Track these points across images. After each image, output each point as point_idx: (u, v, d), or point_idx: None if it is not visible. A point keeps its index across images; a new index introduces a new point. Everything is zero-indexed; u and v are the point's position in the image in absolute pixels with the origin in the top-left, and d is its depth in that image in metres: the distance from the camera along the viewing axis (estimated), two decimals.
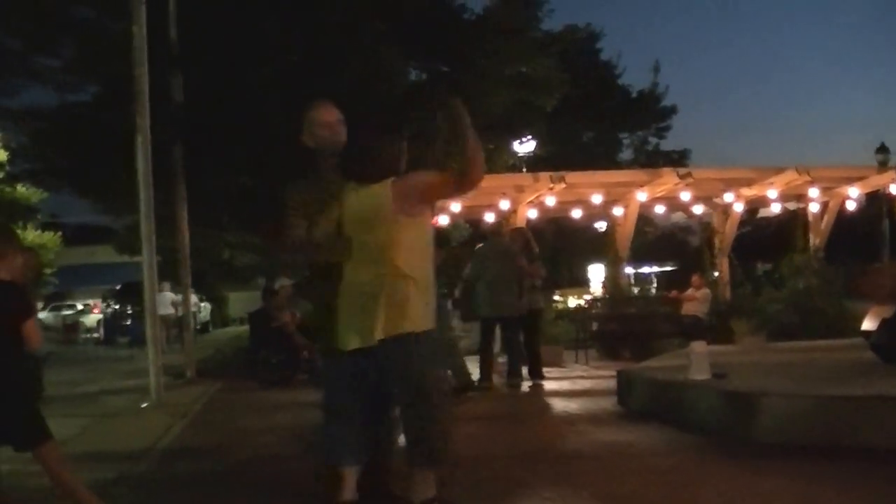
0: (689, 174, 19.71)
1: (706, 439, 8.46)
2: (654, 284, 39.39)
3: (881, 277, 17.31)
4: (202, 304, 40.24)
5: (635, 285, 26.98)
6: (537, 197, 19.84)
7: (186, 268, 20.26)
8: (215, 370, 19.77)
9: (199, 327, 33.99)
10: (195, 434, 10.95)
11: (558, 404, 11.71)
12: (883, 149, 28.29)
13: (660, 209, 22.65)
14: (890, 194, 21.11)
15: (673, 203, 22.09)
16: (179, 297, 23.51)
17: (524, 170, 33.43)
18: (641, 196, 20.70)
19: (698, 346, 9.82)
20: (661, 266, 47.64)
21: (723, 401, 8.77)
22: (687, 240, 49.90)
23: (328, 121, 6.16)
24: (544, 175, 19.69)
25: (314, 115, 6.20)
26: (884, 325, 10.33)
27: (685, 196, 20.72)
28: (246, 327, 22.58)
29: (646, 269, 46.33)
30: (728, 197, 21.42)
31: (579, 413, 10.84)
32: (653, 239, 44.50)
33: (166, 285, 26.80)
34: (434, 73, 25.25)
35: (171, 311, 27.39)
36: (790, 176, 19.74)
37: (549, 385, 13.96)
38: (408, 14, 22.66)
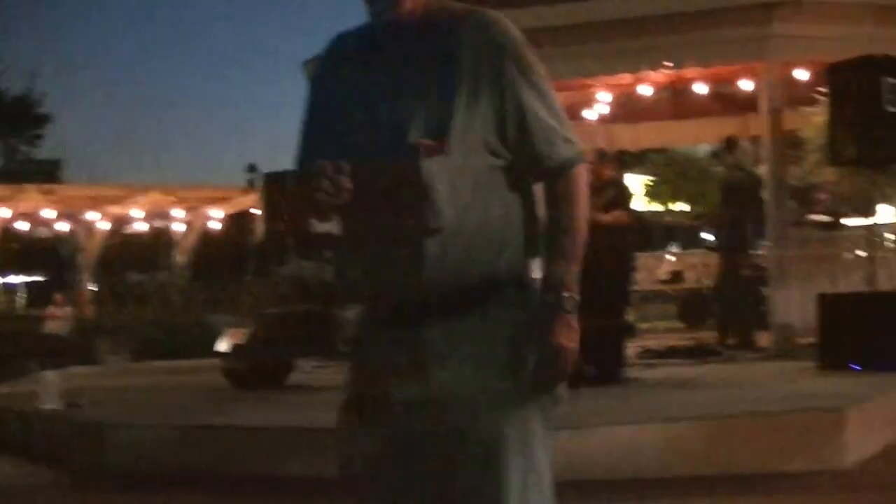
0: (52, 191, 19.18)
1: (59, 472, 8.16)
2: (22, 296, 37.81)
3: (246, 298, 17.78)
4: None
5: None
6: None
7: None
8: None
9: None
10: None
11: None
12: (252, 168, 29.40)
13: (23, 225, 21.78)
14: (254, 215, 21.91)
15: (37, 219, 21.33)
16: None
17: None
18: (3, 212, 19.78)
19: (49, 375, 9.54)
20: (28, 276, 45.80)
21: (74, 432, 8.52)
22: (55, 254, 48.47)
23: None
24: None
25: None
26: (235, 350, 10.59)
27: (50, 213, 20.09)
28: None
29: (12, 280, 44.30)
30: (93, 215, 21.09)
31: None
32: (18, 251, 42.64)
33: None
34: None
35: None
36: (156, 195, 19.91)
37: None
38: None
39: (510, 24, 2.53)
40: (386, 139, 2.43)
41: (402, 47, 2.52)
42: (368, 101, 2.51)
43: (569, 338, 2.46)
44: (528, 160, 2.52)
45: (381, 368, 2.51)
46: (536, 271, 2.58)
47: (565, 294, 2.50)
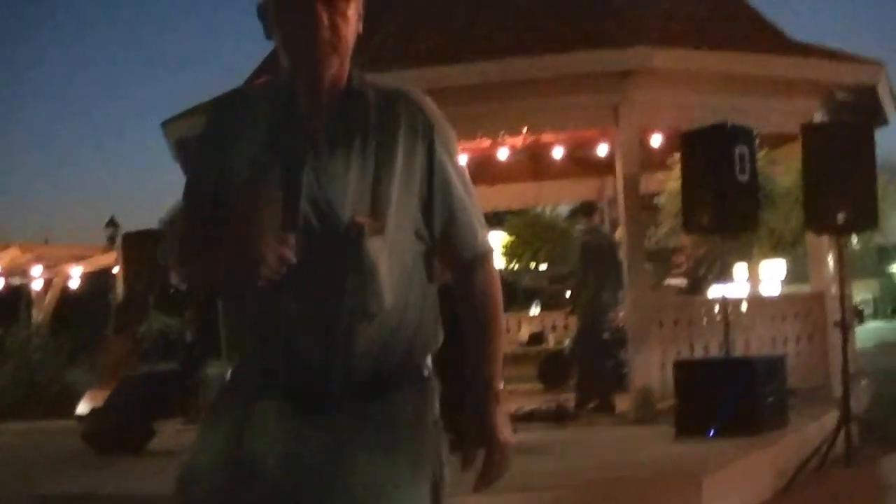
0: None
1: None
2: None
3: (106, 356, 17.29)
4: None
5: None
6: None
7: None
8: None
9: None
10: None
11: None
12: (112, 223, 28.63)
13: None
14: (113, 274, 21.51)
15: None
16: None
17: None
18: None
19: None
20: None
21: None
22: None
23: None
24: None
25: None
26: (94, 413, 10.21)
27: None
28: None
29: None
30: None
31: None
32: None
33: None
34: None
35: None
36: (14, 253, 19.38)
37: None
38: None
39: (434, 104, 2.45)
40: (315, 213, 2.30)
41: (330, 118, 2.39)
42: (286, 168, 2.33)
43: (509, 430, 2.47)
44: (452, 247, 2.46)
45: (271, 451, 2.32)
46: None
47: (499, 387, 2.48)
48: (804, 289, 12.26)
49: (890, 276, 61.39)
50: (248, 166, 2.36)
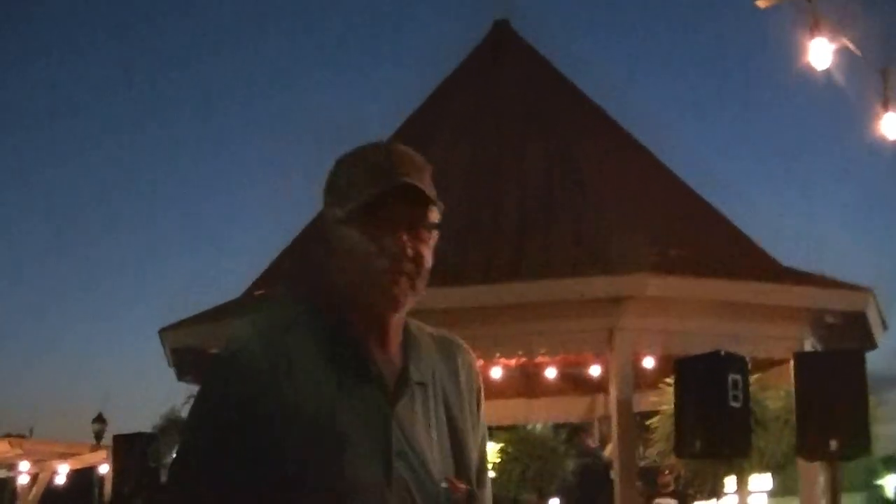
0: None
1: None
2: None
3: None
4: None
5: None
6: None
7: None
8: None
9: None
10: None
11: None
12: (100, 419, 28.17)
13: None
14: (98, 472, 21.16)
15: None
16: None
17: None
18: None
19: None
20: None
21: None
22: None
23: None
24: None
25: None
26: None
27: None
28: None
29: None
30: None
31: None
32: None
33: None
34: None
35: None
36: (2, 447, 19.10)
37: None
38: None
39: None
40: (407, 469, 2.06)
41: (401, 364, 2.16)
42: (360, 421, 2.05)
43: None
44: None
45: None
46: None
47: None
48: (792, 502, 12.05)
49: (877, 489, 60.58)
50: (315, 421, 2.02)
